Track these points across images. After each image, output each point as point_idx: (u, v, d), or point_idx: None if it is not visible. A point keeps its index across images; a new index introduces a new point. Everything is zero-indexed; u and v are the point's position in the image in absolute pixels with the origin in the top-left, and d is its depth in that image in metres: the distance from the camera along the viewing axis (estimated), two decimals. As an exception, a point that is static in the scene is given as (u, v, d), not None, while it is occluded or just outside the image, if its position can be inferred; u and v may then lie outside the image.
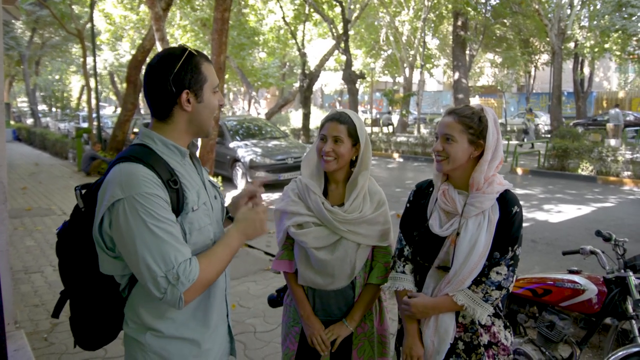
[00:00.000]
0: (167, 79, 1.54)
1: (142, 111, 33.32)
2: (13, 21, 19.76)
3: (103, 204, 1.48)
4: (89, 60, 18.37)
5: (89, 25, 18.40)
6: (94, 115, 18.26)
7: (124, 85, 18.27)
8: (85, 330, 1.70)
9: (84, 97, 30.19)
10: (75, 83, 42.86)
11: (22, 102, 49.88)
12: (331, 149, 2.10)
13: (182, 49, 1.59)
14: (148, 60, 22.73)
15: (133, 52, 18.52)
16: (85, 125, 22.85)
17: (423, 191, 2.15)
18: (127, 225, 1.44)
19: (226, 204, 1.94)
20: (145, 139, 1.61)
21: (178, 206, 1.54)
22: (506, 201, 1.94)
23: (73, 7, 20.78)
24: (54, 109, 37.56)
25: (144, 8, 21.25)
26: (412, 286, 2.08)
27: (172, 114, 1.60)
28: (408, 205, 2.18)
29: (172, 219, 1.50)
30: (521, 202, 1.98)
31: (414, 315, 2.01)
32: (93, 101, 18.85)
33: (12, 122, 36.67)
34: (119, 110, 23.89)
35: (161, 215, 1.46)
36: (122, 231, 1.45)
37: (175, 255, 1.44)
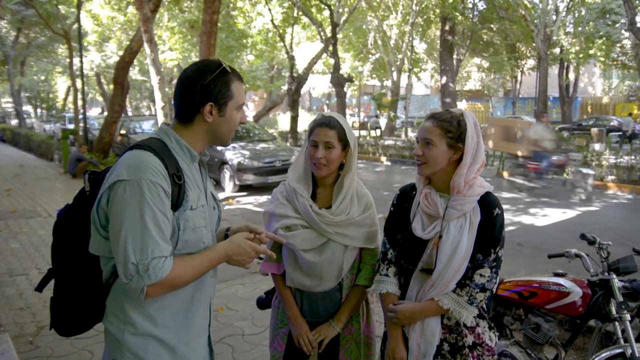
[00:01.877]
0: (196, 88, 1.62)
1: (129, 113, 33.14)
2: (-2, 21, 19.55)
3: (107, 181, 1.54)
4: (76, 61, 18.24)
5: (75, 25, 18.26)
6: (81, 116, 18.09)
7: (111, 86, 18.14)
8: (64, 313, 1.71)
9: (70, 98, 29.89)
10: (61, 84, 42.45)
11: (6, 103, 49.26)
12: (323, 156, 2.11)
13: (219, 63, 1.66)
14: (136, 62, 22.47)
15: (120, 53, 18.40)
16: (71, 126, 22.64)
17: (406, 195, 2.18)
18: (121, 205, 1.49)
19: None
20: (162, 134, 1.68)
21: (178, 201, 1.59)
22: (487, 203, 1.97)
23: (59, 7, 20.61)
24: (39, 111, 37.12)
25: (131, 9, 21.11)
26: (396, 289, 2.10)
27: (193, 120, 1.68)
28: (392, 208, 2.20)
29: (167, 214, 1.54)
30: (507, 206, 2.01)
31: (400, 322, 2.03)
32: (79, 102, 18.68)
33: (-4, 123, 36.27)
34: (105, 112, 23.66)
35: (156, 206, 1.51)
36: (115, 209, 1.50)
37: (153, 248, 1.48)
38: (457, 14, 22.57)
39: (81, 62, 16.46)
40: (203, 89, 1.62)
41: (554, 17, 22.87)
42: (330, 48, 20.11)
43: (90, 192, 1.67)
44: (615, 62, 29.28)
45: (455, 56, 25.32)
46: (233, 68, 1.70)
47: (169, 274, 1.50)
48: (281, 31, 21.71)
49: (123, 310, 1.60)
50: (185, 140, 1.68)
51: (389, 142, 20.13)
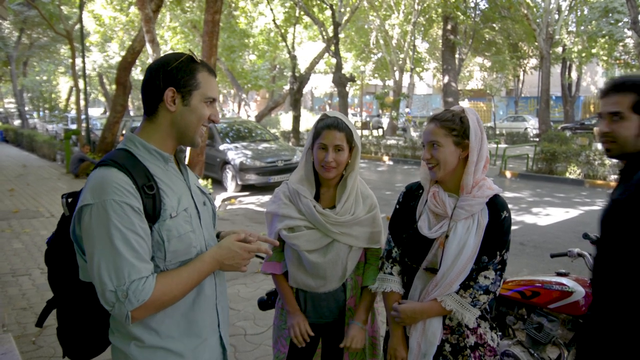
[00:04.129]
0: (159, 75, 1.56)
1: (131, 113, 33.17)
2: (0, 21, 19.57)
3: (76, 208, 1.48)
4: (78, 61, 18.26)
5: (78, 26, 18.27)
6: (83, 116, 18.12)
7: (113, 87, 18.17)
8: (74, 341, 1.67)
9: (73, 99, 29.95)
10: (63, 84, 42.48)
11: (9, 103, 49.36)
12: (333, 159, 2.11)
13: (187, 54, 1.61)
14: (138, 62, 22.43)
15: (122, 53, 18.41)
16: (73, 126, 22.67)
17: (413, 193, 2.17)
18: (89, 232, 1.43)
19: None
20: (128, 143, 1.60)
21: (154, 212, 1.50)
22: (496, 206, 1.96)
23: (62, 7, 20.64)
24: (42, 112, 37.14)
25: (133, 9, 21.14)
26: (399, 287, 2.10)
27: (157, 111, 1.59)
28: (397, 206, 2.19)
29: (139, 232, 1.46)
30: (510, 206, 2.01)
31: (402, 321, 2.03)
32: (82, 103, 18.71)
33: (-1, 124, 36.35)
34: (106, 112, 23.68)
35: (125, 227, 1.42)
36: (85, 236, 1.44)
37: (130, 271, 1.41)
38: (459, 13, 22.55)
39: (83, 62, 16.48)
40: (165, 75, 1.56)
41: (556, 16, 22.82)
42: (332, 48, 20.09)
43: (70, 215, 1.60)
44: (617, 61, 29.15)
45: (457, 55, 25.27)
46: (204, 61, 1.64)
47: (152, 295, 1.43)
48: (283, 31, 21.71)
49: (125, 327, 1.55)
50: (153, 140, 1.59)
51: (391, 141, 20.12)
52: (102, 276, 1.40)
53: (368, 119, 33.73)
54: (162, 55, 1.68)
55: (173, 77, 1.56)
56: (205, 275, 1.60)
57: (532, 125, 29.24)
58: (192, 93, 1.58)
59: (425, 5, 24.78)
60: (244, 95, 25.60)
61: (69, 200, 1.64)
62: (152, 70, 1.59)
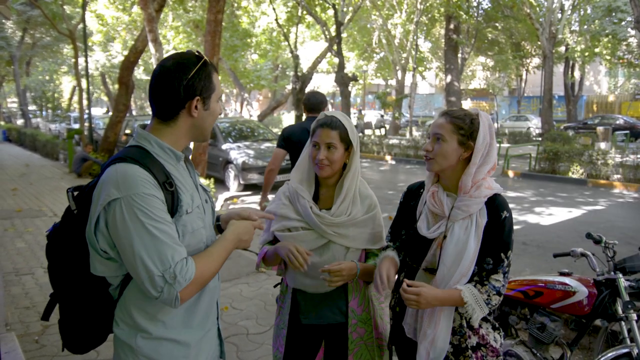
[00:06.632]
0: (181, 84, 1.56)
1: (134, 112, 33.24)
2: (4, 21, 19.62)
3: (98, 204, 1.48)
4: (81, 61, 18.28)
5: (80, 25, 18.31)
6: (86, 116, 18.14)
7: (116, 86, 18.18)
8: (74, 333, 1.69)
9: (75, 98, 30.02)
10: (66, 84, 42.59)
11: (12, 103, 49.51)
12: (325, 157, 2.10)
13: (197, 56, 1.62)
14: (140, 61, 22.35)
15: (125, 53, 18.45)
16: (76, 126, 22.71)
17: (414, 192, 2.17)
18: (124, 225, 1.45)
19: (217, 207, 1.96)
20: (142, 140, 1.61)
21: (172, 208, 1.55)
22: (495, 205, 1.93)
23: (65, 7, 20.68)
24: (44, 112, 37.26)
25: (136, 9, 21.19)
26: (394, 254, 2.08)
27: (177, 117, 1.61)
28: (399, 206, 2.20)
29: (169, 220, 1.51)
30: (512, 205, 2.00)
31: (418, 305, 1.86)
32: (84, 102, 18.74)
33: (2, 123, 36.45)
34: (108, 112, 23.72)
35: (158, 216, 1.47)
36: (119, 231, 1.46)
37: (172, 254, 1.46)
38: (462, 12, 22.49)
39: (86, 62, 16.49)
40: (188, 84, 1.57)
41: (559, 15, 22.80)
42: (335, 47, 20.08)
43: (78, 210, 1.61)
44: (621, 61, 29.11)
45: (460, 55, 25.23)
46: (209, 60, 1.66)
47: (196, 272, 1.50)
48: (285, 30, 21.71)
49: (133, 319, 1.59)
50: (167, 140, 1.62)
51: (394, 140, 20.10)
52: (147, 264, 1.44)
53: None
54: (168, 55, 1.67)
55: (195, 86, 1.58)
56: (229, 252, 1.67)
57: (534, 124, 29.19)
58: (211, 97, 1.64)
59: (427, 4, 24.74)
60: (246, 95, 25.62)
61: (75, 194, 1.65)
62: (171, 78, 1.57)
